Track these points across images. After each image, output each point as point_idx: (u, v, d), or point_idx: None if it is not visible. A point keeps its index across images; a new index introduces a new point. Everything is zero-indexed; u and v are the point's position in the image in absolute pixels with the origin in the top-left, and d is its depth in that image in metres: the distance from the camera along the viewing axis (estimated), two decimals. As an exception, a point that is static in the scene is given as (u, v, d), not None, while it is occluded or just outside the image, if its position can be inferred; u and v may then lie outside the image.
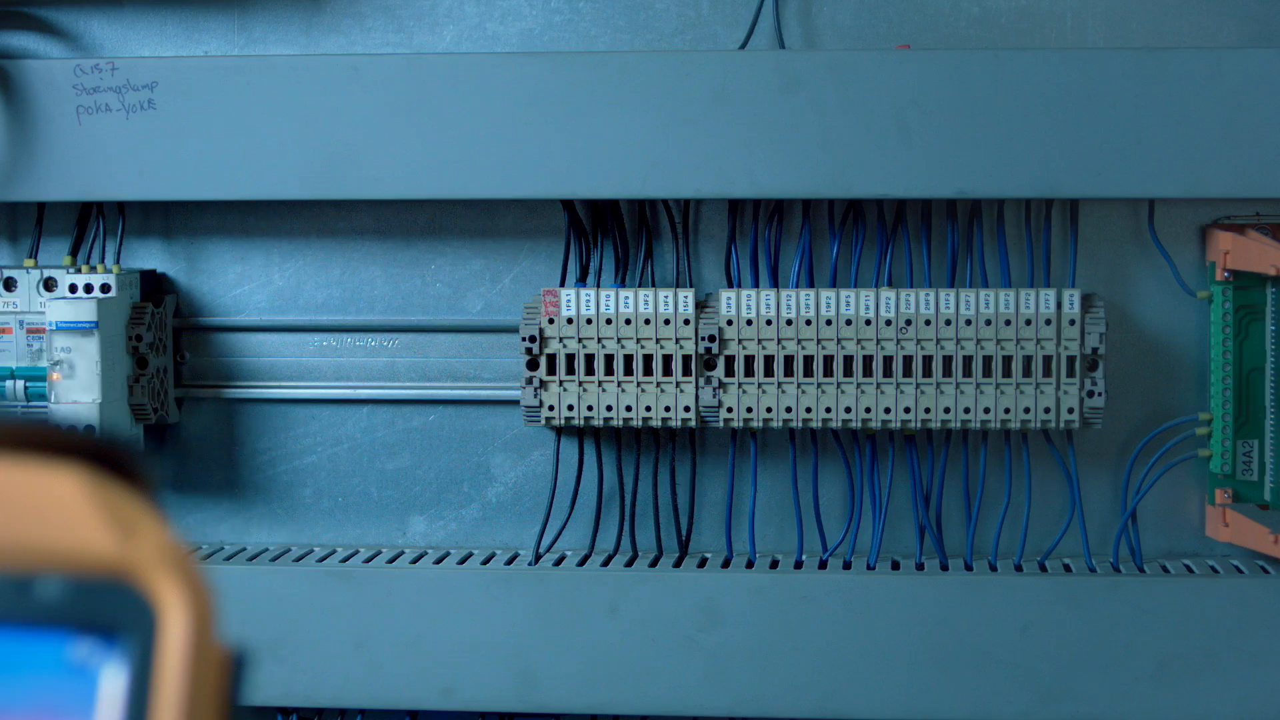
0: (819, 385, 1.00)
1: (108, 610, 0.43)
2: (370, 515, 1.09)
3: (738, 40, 1.04)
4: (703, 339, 1.00)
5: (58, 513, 0.43)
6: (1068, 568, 1.03)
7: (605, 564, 1.04)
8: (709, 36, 1.04)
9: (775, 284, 1.03)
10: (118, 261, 1.07)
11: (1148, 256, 1.04)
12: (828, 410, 1.00)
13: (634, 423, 1.01)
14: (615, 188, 1.00)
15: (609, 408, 1.01)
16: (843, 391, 1.00)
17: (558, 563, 1.04)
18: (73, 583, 0.42)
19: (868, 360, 0.99)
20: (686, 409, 1.00)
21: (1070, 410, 0.99)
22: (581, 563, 1.05)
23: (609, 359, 1.01)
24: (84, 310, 1.01)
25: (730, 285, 1.03)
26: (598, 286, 1.02)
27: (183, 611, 0.42)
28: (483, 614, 1.01)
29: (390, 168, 1.00)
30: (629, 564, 1.05)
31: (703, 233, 1.06)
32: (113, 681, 0.43)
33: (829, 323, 0.99)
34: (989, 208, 1.03)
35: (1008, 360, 0.99)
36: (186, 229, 1.09)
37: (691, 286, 1.02)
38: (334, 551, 1.08)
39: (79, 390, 1.01)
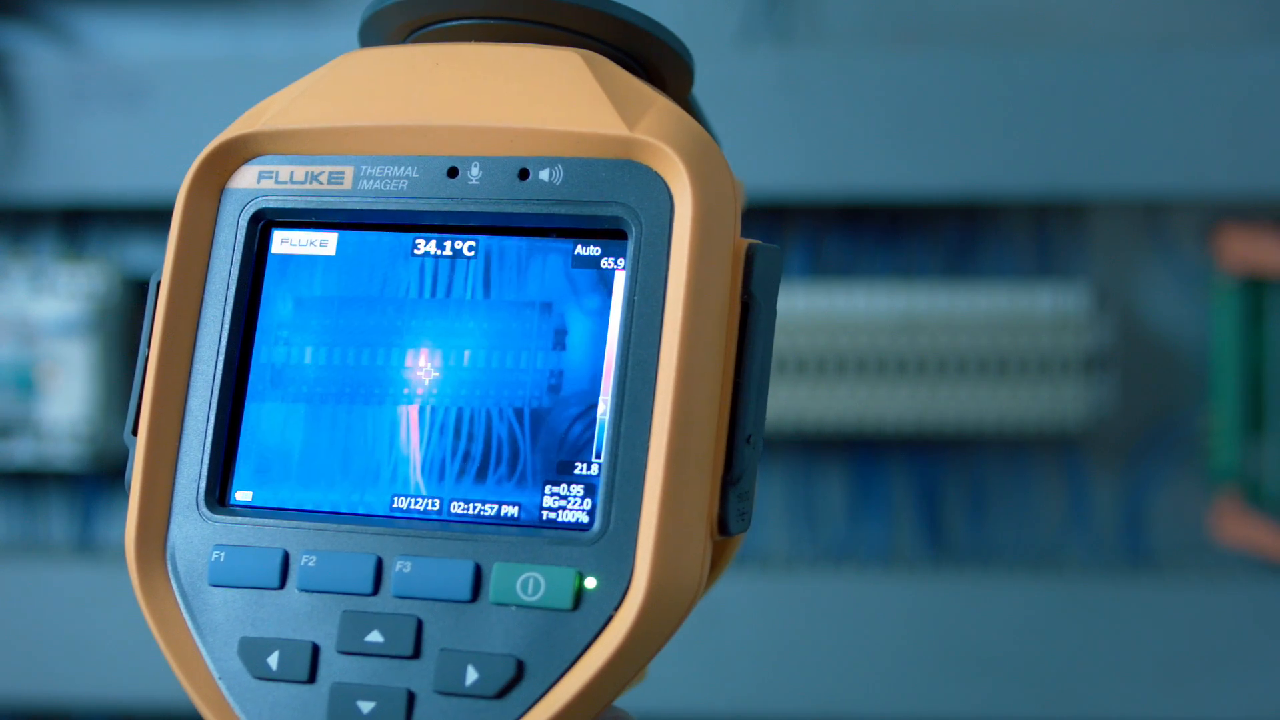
0: (820, 386, 0.99)
1: (615, 195, 0.39)
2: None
3: (737, 38, 1.02)
4: (703, 339, 0.99)
5: (563, 96, 0.40)
6: (1073, 569, 1.02)
7: (606, 564, 1.04)
8: (709, 34, 1.03)
9: (777, 283, 1.02)
10: (112, 261, 1.06)
11: (1156, 255, 1.03)
12: (830, 411, 0.99)
13: (634, 423, 1.00)
14: (615, 187, 0.99)
15: (609, 408, 1.00)
16: (844, 392, 0.99)
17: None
18: (580, 167, 0.40)
19: (870, 360, 0.98)
20: (687, 409, 0.99)
21: (1076, 409, 0.98)
22: (581, 563, 1.04)
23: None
24: (76, 310, 1.01)
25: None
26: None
27: (694, 194, 0.39)
28: (482, 615, 1.01)
29: (388, 166, 0.99)
30: (629, 565, 1.04)
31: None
32: (624, 270, 0.40)
33: (830, 323, 0.98)
34: (995, 205, 1.02)
35: (1013, 359, 0.98)
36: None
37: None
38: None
39: (70, 391, 1.00)
